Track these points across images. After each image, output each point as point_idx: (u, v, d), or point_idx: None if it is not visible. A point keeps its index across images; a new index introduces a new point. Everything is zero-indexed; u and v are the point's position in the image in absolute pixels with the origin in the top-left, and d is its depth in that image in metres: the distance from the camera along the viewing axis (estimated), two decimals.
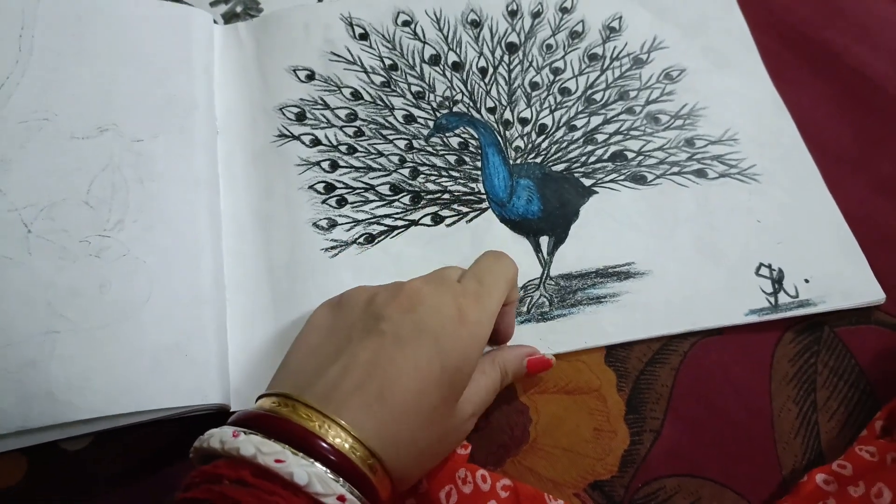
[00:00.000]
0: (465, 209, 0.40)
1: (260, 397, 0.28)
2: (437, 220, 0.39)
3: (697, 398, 0.35)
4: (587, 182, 0.41)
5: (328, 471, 0.24)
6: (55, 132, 0.37)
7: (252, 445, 0.24)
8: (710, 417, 0.35)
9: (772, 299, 0.37)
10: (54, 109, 0.38)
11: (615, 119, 0.43)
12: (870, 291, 0.38)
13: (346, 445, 0.25)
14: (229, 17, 0.47)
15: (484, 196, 0.40)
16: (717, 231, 0.39)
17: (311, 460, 0.24)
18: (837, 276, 0.38)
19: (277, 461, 0.24)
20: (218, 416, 0.33)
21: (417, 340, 0.28)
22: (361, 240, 0.39)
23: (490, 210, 0.40)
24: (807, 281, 0.38)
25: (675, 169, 0.41)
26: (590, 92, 0.44)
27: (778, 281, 0.38)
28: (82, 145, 0.37)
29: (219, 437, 0.25)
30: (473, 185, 0.40)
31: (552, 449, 0.34)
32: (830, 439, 0.34)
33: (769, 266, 0.38)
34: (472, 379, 0.30)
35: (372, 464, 0.26)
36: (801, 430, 0.35)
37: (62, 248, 0.34)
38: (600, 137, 0.42)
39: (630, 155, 0.41)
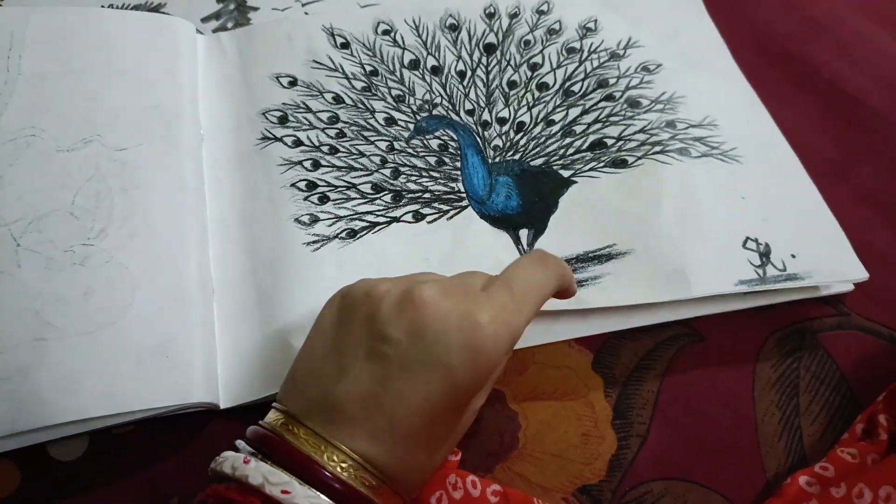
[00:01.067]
0: (445, 207, 0.40)
1: (273, 405, 0.29)
2: (418, 217, 0.40)
3: (683, 403, 0.36)
4: (566, 173, 0.41)
5: (332, 503, 0.25)
6: (42, 147, 0.38)
7: (260, 475, 0.25)
8: (695, 422, 0.35)
9: (760, 271, 0.38)
10: (41, 125, 0.39)
11: (594, 108, 0.44)
12: (854, 271, 0.38)
13: (352, 472, 0.26)
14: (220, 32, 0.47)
15: (464, 195, 0.41)
16: (702, 206, 0.39)
17: (317, 492, 0.24)
18: (822, 255, 0.38)
19: (284, 492, 0.24)
20: (209, 414, 0.33)
21: (426, 370, 0.26)
22: (343, 234, 0.39)
23: (470, 207, 0.40)
24: (793, 256, 0.38)
25: (658, 148, 0.42)
26: (568, 84, 0.45)
27: (765, 254, 0.38)
28: (68, 157, 0.38)
29: (231, 462, 0.26)
30: (453, 185, 0.41)
31: (541, 454, 0.34)
32: (813, 442, 0.35)
33: (755, 240, 0.39)
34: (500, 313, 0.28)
35: (380, 488, 0.26)
36: (785, 433, 0.35)
37: (48, 259, 0.35)
38: (579, 129, 0.43)
39: (609, 142, 0.42)
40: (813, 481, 0.33)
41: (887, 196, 0.43)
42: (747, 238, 0.39)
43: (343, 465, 0.25)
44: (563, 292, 0.32)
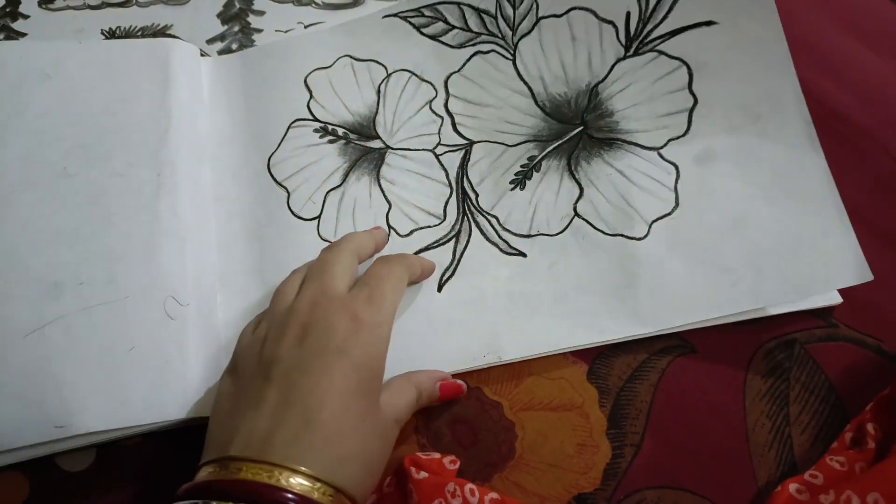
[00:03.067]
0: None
1: (200, 466, 0.29)
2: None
3: (675, 413, 0.37)
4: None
5: None
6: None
7: None
8: (687, 432, 0.36)
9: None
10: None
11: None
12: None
13: (306, 485, 0.26)
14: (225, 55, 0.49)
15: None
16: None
17: None
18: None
19: None
20: None
21: (322, 362, 0.29)
22: None
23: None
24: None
25: None
26: None
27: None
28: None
29: None
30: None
31: (538, 464, 0.35)
32: (803, 452, 0.36)
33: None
34: (390, 394, 0.32)
35: (332, 494, 0.27)
36: (775, 443, 0.36)
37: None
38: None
39: None
40: (803, 489, 0.33)
41: (873, 211, 0.44)
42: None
43: (293, 480, 0.26)
44: (418, 277, 0.38)
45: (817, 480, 0.34)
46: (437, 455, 0.34)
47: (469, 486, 0.33)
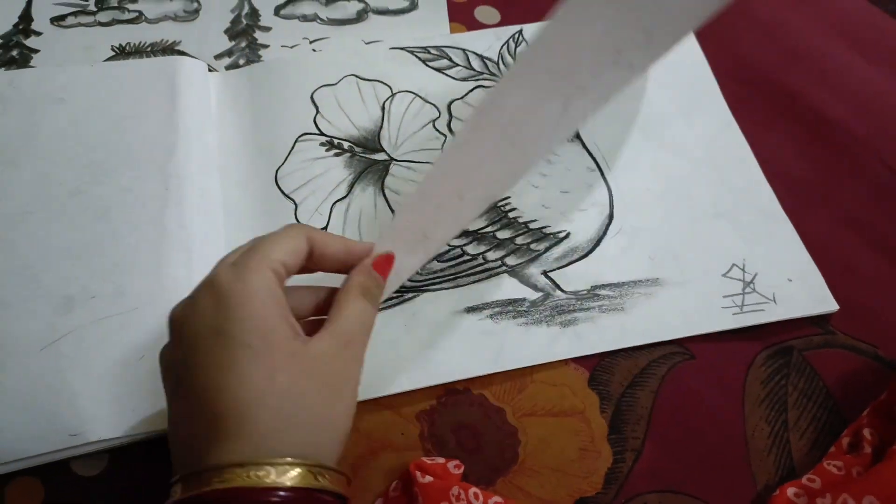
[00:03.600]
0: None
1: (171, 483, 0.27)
2: None
3: (675, 419, 0.37)
4: None
5: None
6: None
7: None
8: (687, 437, 0.37)
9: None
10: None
11: None
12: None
13: (274, 472, 0.25)
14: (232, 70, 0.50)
15: None
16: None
17: None
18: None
19: None
20: None
21: (206, 353, 0.27)
22: None
23: None
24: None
25: None
26: None
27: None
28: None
29: None
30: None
31: (540, 469, 0.36)
32: (801, 456, 0.37)
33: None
34: (333, 311, 0.29)
35: (315, 474, 0.26)
36: (774, 448, 0.37)
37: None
38: None
39: None
40: (801, 492, 0.34)
41: (867, 219, 0.45)
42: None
43: (260, 473, 0.25)
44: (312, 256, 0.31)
45: (815, 484, 0.34)
46: (441, 460, 0.35)
47: (473, 489, 0.34)
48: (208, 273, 0.29)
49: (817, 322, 0.41)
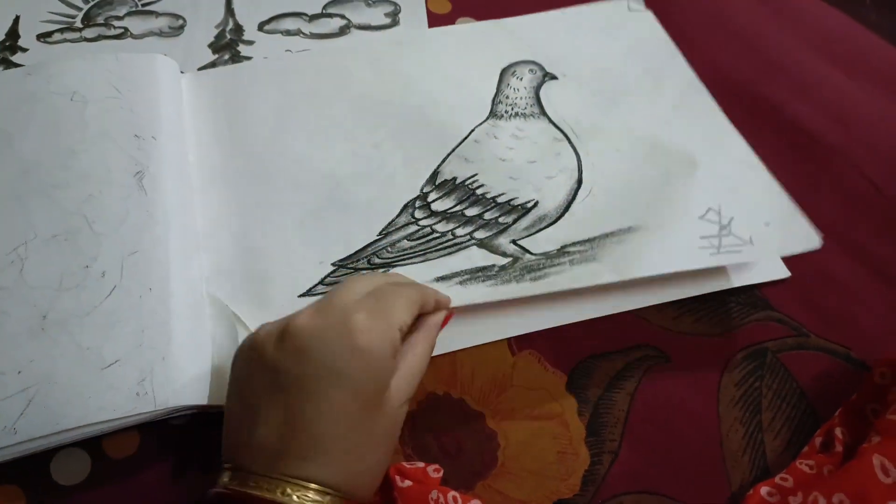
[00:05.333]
0: None
1: (222, 466, 0.30)
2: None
3: (652, 421, 0.38)
4: None
5: None
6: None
7: None
8: (663, 439, 0.37)
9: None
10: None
11: None
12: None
13: (311, 497, 0.28)
14: None
15: None
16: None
17: None
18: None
19: None
20: (209, 436, 0.35)
21: (321, 384, 0.29)
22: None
23: None
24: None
25: None
26: None
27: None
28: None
29: None
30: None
31: (519, 471, 0.36)
32: (776, 456, 0.37)
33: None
34: (402, 378, 0.31)
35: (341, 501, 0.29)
36: (749, 448, 0.37)
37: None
38: None
39: None
40: (773, 491, 0.35)
41: (844, 227, 0.45)
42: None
43: (298, 493, 0.28)
44: (431, 307, 0.35)
45: (788, 483, 0.35)
46: (421, 464, 0.35)
47: (452, 493, 0.34)
48: (338, 304, 0.30)
49: (791, 325, 0.41)
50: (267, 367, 0.30)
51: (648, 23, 0.54)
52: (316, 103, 0.48)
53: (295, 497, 0.28)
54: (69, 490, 0.35)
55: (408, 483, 0.34)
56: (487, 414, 0.38)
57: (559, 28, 0.53)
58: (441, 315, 0.36)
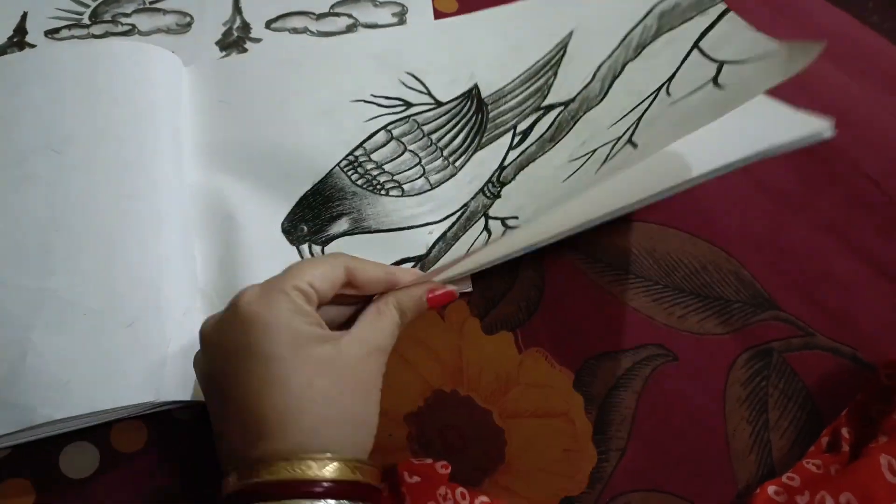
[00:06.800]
0: None
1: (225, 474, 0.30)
2: None
3: (659, 419, 0.38)
4: None
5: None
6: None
7: None
8: (670, 437, 0.37)
9: None
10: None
11: None
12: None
13: (330, 467, 0.28)
14: None
15: None
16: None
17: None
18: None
19: None
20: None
21: (244, 365, 0.29)
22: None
23: None
24: None
25: None
26: None
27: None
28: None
29: None
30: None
31: (526, 469, 0.36)
32: (782, 456, 0.37)
33: None
34: (365, 328, 0.32)
35: (341, 462, 0.28)
36: (755, 447, 0.38)
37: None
38: None
39: None
40: (780, 490, 0.35)
41: (845, 225, 0.46)
42: None
43: (303, 466, 0.27)
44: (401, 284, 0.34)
45: (794, 483, 0.35)
46: (429, 461, 0.35)
47: (460, 489, 0.34)
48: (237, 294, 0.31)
49: (797, 325, 0.42)
50: (204, 379, 0.31)
51: None
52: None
53: (298, 468, 0.27)
54: (78, 483, 0.35)
55: (416, 479, 0.34)
56: (494, 411, 0.38)
57: None
58: (416, 290, 0.34)
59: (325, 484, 0.27)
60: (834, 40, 0.56)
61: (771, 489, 0.35)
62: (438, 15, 0.56)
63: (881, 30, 0.58)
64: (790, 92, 0.52)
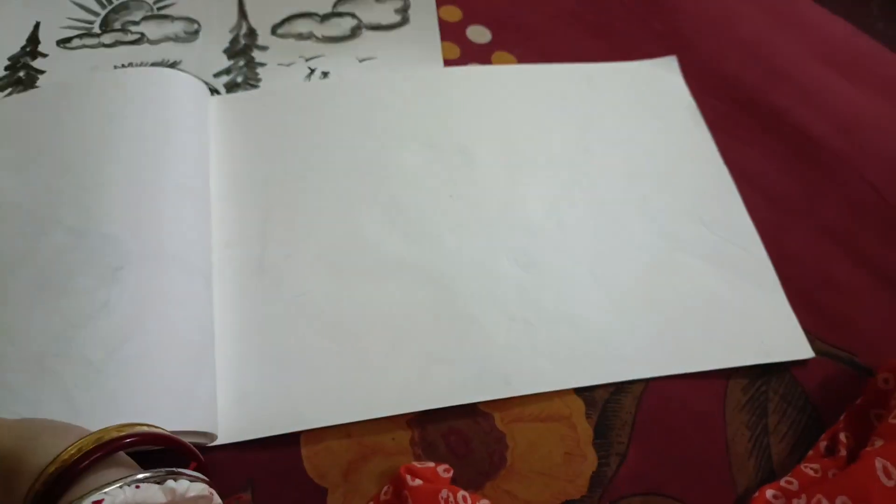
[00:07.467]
0: None
1: None
2: None
3: (659, 424, 0.38)
4: None
5: None
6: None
7: None
8: (670, 441, 0.38)
9: None
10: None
11: None
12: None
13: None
14: (231, 87, 0.51)
15: None
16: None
17: None
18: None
19: None
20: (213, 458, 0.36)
21: None
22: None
23: None
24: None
25: None
26: None
27: None
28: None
29: None
30: None
31: (527, 472, 0.37)
32: (781, 460, 0.38)
33: None
34: None
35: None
36: (755, 451, 0.38)
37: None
38: None
39: None
40: (778, 494, 0.35)
41: (847, 232, 0.46)
42: None
43: None
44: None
45: (792, 486, 0.35)
46: (431, 464, 0.36)
47: (462, 493, 0.35)
48: None
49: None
50: None
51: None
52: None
53: None
54: None
55: (418, 482, 0.34)
56: (496, 416, 0.38)
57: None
58: None
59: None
60: (838, 49, 0.56)
61: (769, 493, 0.35)
62: (442, 23, 0.56)
63: (886, 36, 0.58)
64: (794, 101, 0.52)
